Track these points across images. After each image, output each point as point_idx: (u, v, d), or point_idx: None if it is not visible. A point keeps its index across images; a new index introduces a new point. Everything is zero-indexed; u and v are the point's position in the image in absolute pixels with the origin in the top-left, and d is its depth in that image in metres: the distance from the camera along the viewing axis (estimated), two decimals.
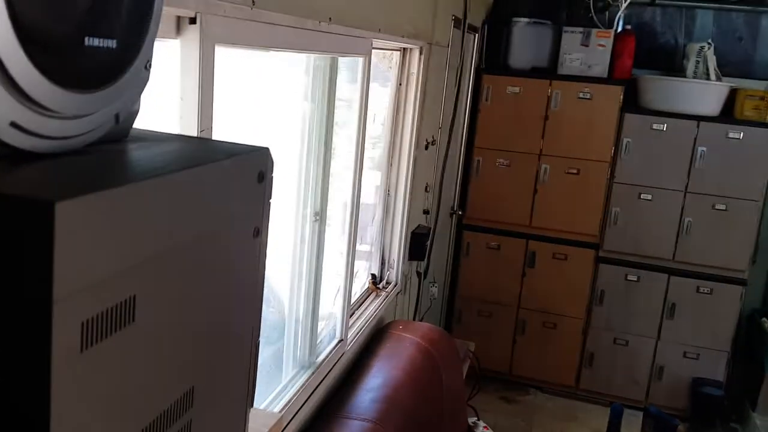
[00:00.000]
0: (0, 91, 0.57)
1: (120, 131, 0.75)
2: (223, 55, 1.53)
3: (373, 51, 2.93)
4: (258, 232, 0.83)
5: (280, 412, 1.81)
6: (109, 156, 0.70)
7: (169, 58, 1.31)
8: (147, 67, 0.75)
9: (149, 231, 0.61)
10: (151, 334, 0.64)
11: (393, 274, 3.20)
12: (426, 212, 3.51)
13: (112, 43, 0.67)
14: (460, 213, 4.59)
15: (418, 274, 3.42)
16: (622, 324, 4.57)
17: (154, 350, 0.65)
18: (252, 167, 0.80)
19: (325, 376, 2.29)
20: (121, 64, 0.69)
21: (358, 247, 3.24)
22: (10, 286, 0.51)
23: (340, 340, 2.43)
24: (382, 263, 3.19)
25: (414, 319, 3.54)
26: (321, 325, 2.39)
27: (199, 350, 0.73)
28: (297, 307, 2.17)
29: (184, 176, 0.67)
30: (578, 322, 4.63)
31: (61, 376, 0.53)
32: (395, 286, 3.20)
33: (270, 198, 0.86)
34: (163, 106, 1.35)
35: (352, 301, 2.88)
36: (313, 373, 2.19)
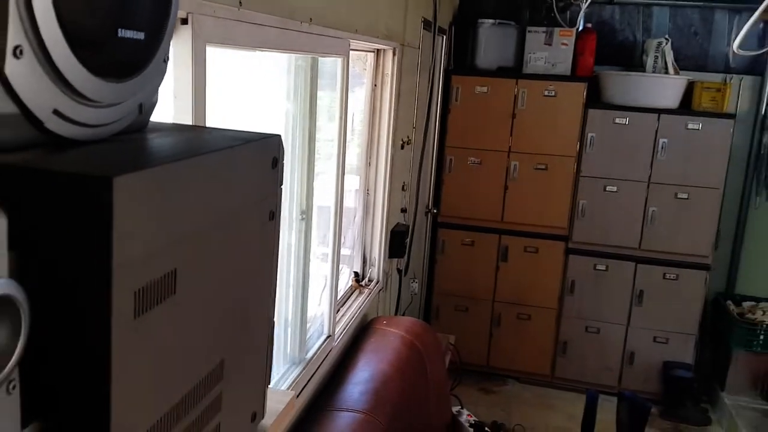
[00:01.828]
0: (46, 81, 0.61)
1: (142, 121, 0.79)
2: (210, 55, 1.58)
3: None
4: (273, 215, 0.88)
5: (290, 390, 1.86)
6: (139, 142, 0.74)
7: None
8: (165, 59, 0.80)
9: (188, 209, 0.66)
10: (188, 306, 0.68)
11: (375, 271, 3.26)
12: (404, 210, 3.58)
13: (140, 35, 0.72)
14: (434, 211, 4.66)
15: (399, 271, 3.49)
16: (593, 312, 4.70)
17: (191, 322, 0.70)
18: (267, 153, 0.85)
19: (315, 371, 2.33)
20: (147, 55, 0.74)
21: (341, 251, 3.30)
22: (74, 258, 0.56)
23: (328, 336, 2.48)
24: (364, 261, 3.24)
25: (396, 315, 3.60)
26: (309, 322, 2.44)
27: (226, 325, 0.78)
28: (287, 304, 2.21)
29: (213, 158, 0.72)
30: (551, 312, 4.74)
31: (119, 338, 0.57)
32: (377, 283, 3.25)
33: (281, 184, 0.91)
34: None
35: (338, 298, 2.94)
36: (303, 368, 2.23)
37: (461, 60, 4.68)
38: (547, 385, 4.79)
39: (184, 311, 0.67)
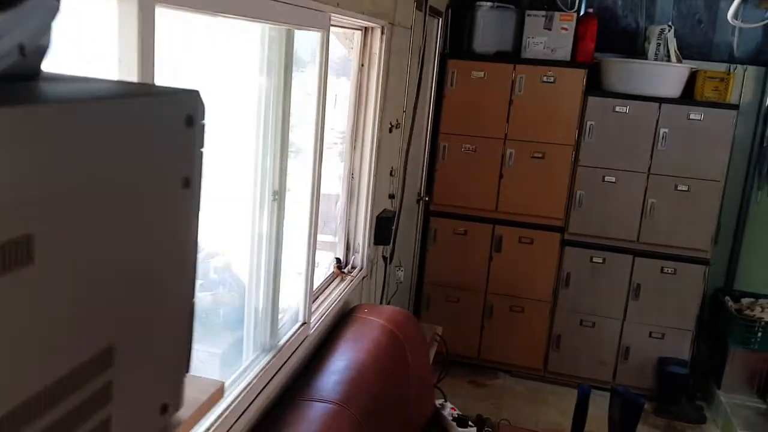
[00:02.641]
0: None
1: (28, 67, 0.69)
2: (169, 19, 1.47)
3: (335, 31, 2.88)
4: (188, 182, 0.77)
5: (258, 377, 1.76)
6: (13, 86, 0.64)
7: (106, 20, 1.25)
8: None
9: (53, 164, 0.56)
10: (53, 280, 0.58)
11: (358, 258, 3.16)
12: (392, 196, 3.48)
13: None
14: (426, 199, 4.56)
15: (384, 258, 3.39)
16: (588, 306, 4.59)
17: (57, 300, 0.60)
18: (178, 109, 0.74)
19: (288, 358, 2.24)
20: None
21: (324, 238, 3.20)
22: None
23: (303, 323, 2.39)
24: (347, 248, 3.14)
25: (381, 303, 3.50)
26: (283, 307, 2.34)
27: (116, 307, 0.68)
28: (257, 289, 2.11)
29: (95, 108, 0.61)
30: (545, 305, 4.64)
31: None
32: (360, 270, 3.15)
33: (202, 147, 0.81)
34: (100, 71, 1.29)
35: (317, 285, 2.84)
36: (274, 355, 2.14)
37: (458, 44, 4.56)
38: (539, 379, 4.70)
39: (46, 286, 0.57)
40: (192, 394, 0.86)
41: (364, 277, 3.21)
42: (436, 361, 3.87)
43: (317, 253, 3.18)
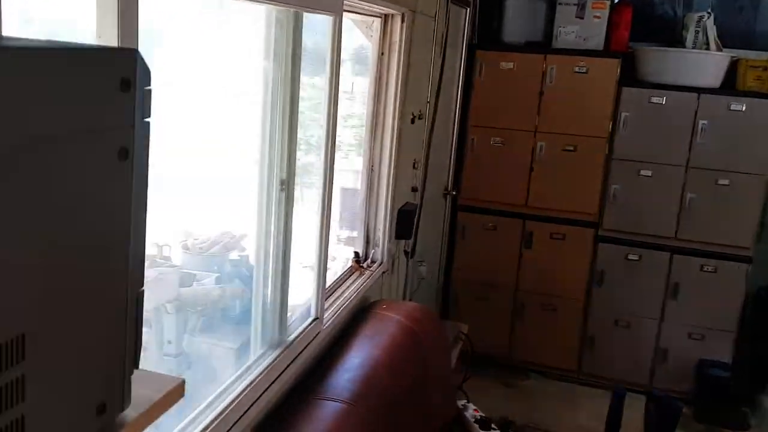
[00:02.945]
0: None
1: None
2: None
3: (354, 18, 2.80)
4: (126, 154, 0.69)
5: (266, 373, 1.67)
6: None
7: None
8: None
9: None
10: None
11: (378, 252, 3.07)
12: (415, 190, 3.38)
13: None
14: (454, 193, 4.44)
15: (406, 253, 3.29)
16: (624, 305, 4.42)
17: None
18: (111, 71, 0.66)
19: (298, 355, 2.16)
20: None
21: (348, 233, 3.12)
22: None
23: (315, 319, 2.30)
24: (367, 241, 3.06)
25: (404, 299, 3.41)
26: (296, 302, 2.27)
27: (31, 292, 0.59)
28: (265, 282, 2.04)
29: (9, 59, 0.53)
30: (578, 303, 4.48)
31: None
32: (380, 264, 3.06)
33: (147, 116, 0.72)
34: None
35: (334, 279, 2.76)
36: (282, 351, 2.06)
37: (486, 34, 4.43)
38: (572, 380, 4.54)
39: None
40: (144, 392, 0.78)
41: (384, 272, 3.12)
42: (461, 360, 3.75)
43: (340, 248, 3.12)
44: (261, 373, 1.92)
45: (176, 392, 0.79)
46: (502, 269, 4.53)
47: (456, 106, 4.31)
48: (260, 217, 1.97)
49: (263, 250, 1.99)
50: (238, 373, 1.87)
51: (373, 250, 3.04)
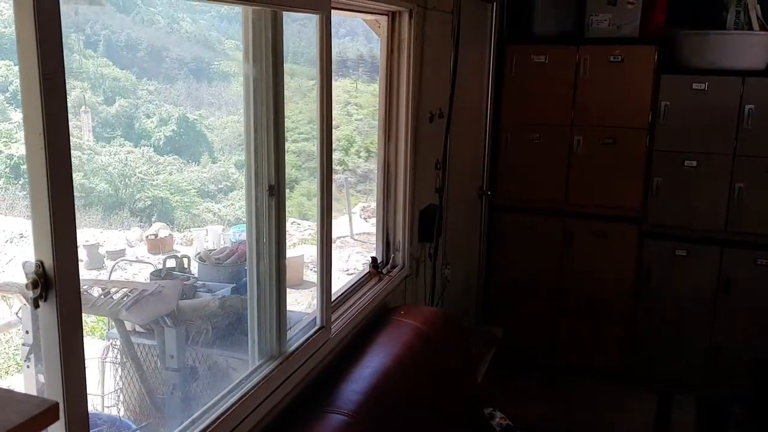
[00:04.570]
0: None
1: None
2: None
3: (365, 18, 2.73)
4: None
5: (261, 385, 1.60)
6: None
7: None
8: None
9: None
10: None
11: (399, 256, 2.99)
12: (439, 190, 3.28)
13: None
14: (489, 194, 4.32)
15: (430, 256, 3.19)
16: (673, 303, 4.20)
17: None
18: None
19: (300, 366, 2.10)
20: None
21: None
22: None
23: (321, 328, 2.24)
24: (387, 245, 2.98)
25: (432, 304, 3.31)
26: (298, 310, 2.21)
27: None
28: (260, 290, 1.98)
29: None
30: (624, 302, 4.29)
31: None
32: (402, 269, 2.98)
33: None
34: None
35: (349, 286, 2.70)
36: (281, 363, 2.00)
37: (516, 27, 4.29)
38: (618, 383, 4.32)
39: None
40: (7, 416, 0.72)
41: (407, 276, 3.03)
42: (496, 364, 3.63)
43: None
44: (255, 386, 1.86)
45: (44, 416, 0.73)
46: (542, 270, 4.39)
47: (487, 103, 4.19)
48: (249, 224, 1.92)
49: (255, 256, 1.94)
50: (229, 387, 1.82)
51: (393, 254, 2.96)
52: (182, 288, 2.31)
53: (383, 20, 2.74)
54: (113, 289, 2.19)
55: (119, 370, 2.71)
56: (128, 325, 2.53)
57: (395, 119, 2.84)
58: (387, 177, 2.89)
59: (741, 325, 4.07)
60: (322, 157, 2.14)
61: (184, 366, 2.16)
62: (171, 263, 2.85)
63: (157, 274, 2.70)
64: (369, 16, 2.70)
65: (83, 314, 2.39)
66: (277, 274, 1.97)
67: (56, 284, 1.18)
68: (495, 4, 4.05)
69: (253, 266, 1.95)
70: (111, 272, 3.82)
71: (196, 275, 2.73)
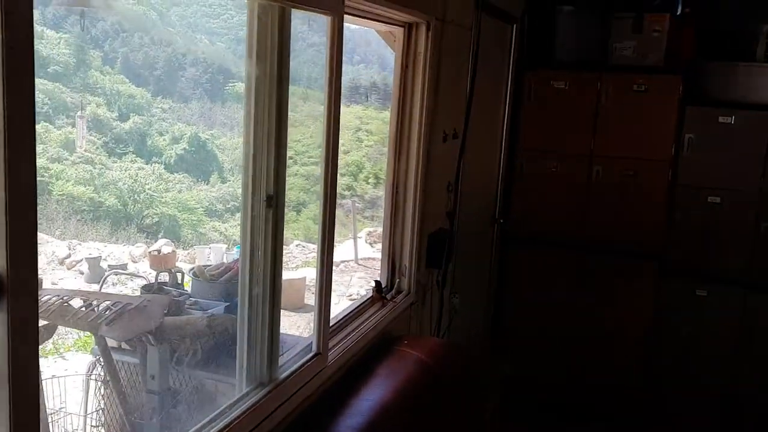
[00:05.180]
0: None
1: None
2: None
3: (378, 28, 2.60)
4: None
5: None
6: None
7: None
8: None
9: None
10: None
11: (405, 282, 2.81)
12: (450, 215, 3.11)
13: None
14: (501, 221, 4.14)
15: (438, 283, 3.02)
16: (693, 347, 3.98)
17: None
18: None
19: (292, 395, 1.92)
20: None
21: None
22: None
23: (317, 354, 2.06)
24: (392, 269, 2.81)
25: (438, 335, 3.12)
26: (296, 334, 2.03)
27: None
28: (251, 310, 1.81)
29: None
30: (639, 344, 4.06)
31: None
32: (407, 295, 2.80)
33: None
34: None
35: (350, 311, 2.53)
36: (271, 390, 1.82)
37: (536, 52, 4.15)
38: (632, 426, 4.10)
39: None
40: None
41: (413, 303, 2.85)
42: (503, 402, 3.43)
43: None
44: (241, 415, 1.68)
45: None
46: (555, 304, 4.18)
47: (503, 127, 4.04)
48: (244, 237, 1.76)
49: (248, 272, 1.77)
50: (212, 416, 1.64)
51: (398, 279, 2.79)
52: (169, 303, 2.15)
53: (399, 32, 2.61)
54: (95, 301, 2.03)
55: (102, 388, 2.53)
56: (114, 341, 2.37)
57: (407, 136, 2.69)
58: (395, 196, 2.73)
59: (763, 376, 3.84)
60: (326, 173, 1.98)
61: (166, 389, 1.98)
62: (164, 278, 2.69)
63: (148, 288, 2.54)
64: (384, 27, 2.56)
65: (60, 326, 2.23)
66: (271, 293, 1.80)
67: (9, 291, 1.02)
68: (515, 26, 3.92)
69: (246, 283, 1.79)
70: (101, 284, 3.66)
71: (189, 292, 2.57)
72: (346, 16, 2.03)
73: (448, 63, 2.85)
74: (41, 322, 2.08)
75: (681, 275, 4.00)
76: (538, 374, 4.16)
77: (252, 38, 1.67)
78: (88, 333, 3.80)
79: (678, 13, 3.90)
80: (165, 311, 2.04)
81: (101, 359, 2.28)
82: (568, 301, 4.14)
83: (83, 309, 2.01)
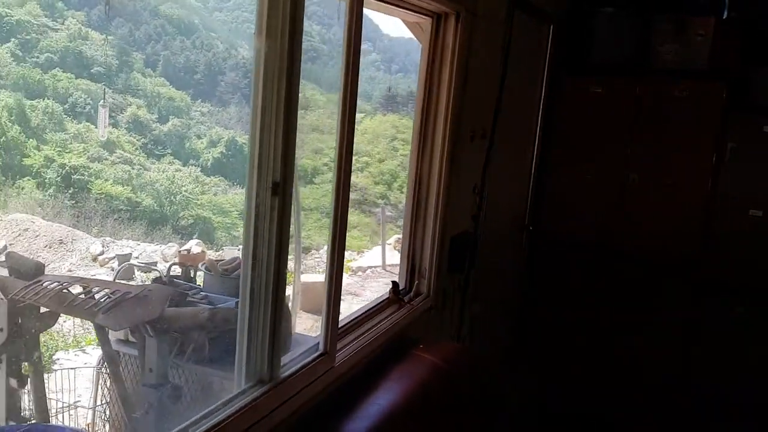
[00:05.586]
0: None
1: None
2: None
3: (405, 17, 2.51)
4: None
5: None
6: None
7: None
8: None
9: None
10: None
11: (424, 284, 2.70)
12: (475, 218, 2.99)
13: None
14: (531, 228, 4.00)
15: (459, 288, 2.89)
16: (728, 366, 3.78)
17: None
18: None
19: (295, 394, 1.82)
20: None
21: None
22: None
23: (323, 354, 1.96)
24: (411, 271, 2.69)
25: (458, 342, 2.99)
26: (300, 330, 1.94)
27: None
28: (253, 303, 1.72)
29: None
30: (673, 362, 3.87)
31: None
32: (425, 298, 2.68)
33: None
34: None
35: (364, 311, 2.42)
36: (271, 388, 1.72)
37: (574, 54, 4.01)
38: None
39: None
40: None
41: (431, 308, 2.73)
42: (525, 417, 3.28)
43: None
44: (237, 412, 1.59)
45: None
46: (585, 318, 4.00)
47: (536, 130, 3.91)
48: (247, 226, 1.66)
49: (250, 264, 1.67)
50: (204, 411, 1.55)
51: (417, 281, 2.67)
52: (172, 295, 2.07)
53: (426, 24, 2.51)
54: (95, 289, 1.96)
55: (108, 381, 2.46)
56: (120, 332, 2.30)
57: (431, 132, 2.59)
58: (418, 194, 2.62)
59: None
60: (340, 163, 1.89)
61: (164, 382, 1.90)
62: (176, 271, 2.62)
63: (158, 281, 2.48)
64: (411, 17, 2.46)
65: (59, 314, 2.16)
66: (275, 287, 1.70)
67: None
68: (553, 26, 3.79)
69: (248, 276, 1.69)
70: (115, 276, 3.61)
71: (200, 286, 2.49)
72: (370, 1, 1.94)
73: (477, 59, 2.74)
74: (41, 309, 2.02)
75: (717, 292, 3.80)
76: (562, 391, 3.98)
77: (262, 11, 1.58)
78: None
79: (724, 17, 3.73)
80: (167, 302, 1.97)
81: (102, 350, 2.21)
82: (597, 315, 3.97)
83: (82, 296, 1.94)
